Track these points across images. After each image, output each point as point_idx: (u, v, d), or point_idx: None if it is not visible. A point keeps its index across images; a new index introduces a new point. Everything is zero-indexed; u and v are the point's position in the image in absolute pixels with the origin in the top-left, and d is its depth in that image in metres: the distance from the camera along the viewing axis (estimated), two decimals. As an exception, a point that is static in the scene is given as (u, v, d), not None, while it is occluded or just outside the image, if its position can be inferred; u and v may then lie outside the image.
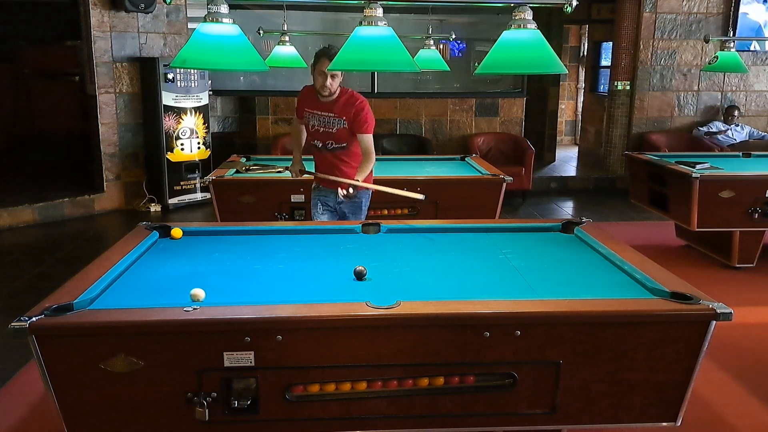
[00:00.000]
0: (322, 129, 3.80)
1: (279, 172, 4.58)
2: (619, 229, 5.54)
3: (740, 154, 6.16)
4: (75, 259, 5.36)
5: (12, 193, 7.01)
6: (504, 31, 2.44)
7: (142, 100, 7.20)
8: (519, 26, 2.38)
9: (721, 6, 8.16)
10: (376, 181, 3.98)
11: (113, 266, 2.61)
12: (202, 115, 7.33)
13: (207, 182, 4.55)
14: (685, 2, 8.12)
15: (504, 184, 4.60)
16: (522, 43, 2.39)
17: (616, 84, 8.41)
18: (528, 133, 8.70)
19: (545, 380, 2.26)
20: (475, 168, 5.21)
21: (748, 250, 5.14)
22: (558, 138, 11.30)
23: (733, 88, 8.45)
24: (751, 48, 8.35)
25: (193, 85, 7.19)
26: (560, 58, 2.55)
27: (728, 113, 8.20)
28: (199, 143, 7.36)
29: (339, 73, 3.65)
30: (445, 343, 2.21)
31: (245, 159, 5.38)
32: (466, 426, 2.34)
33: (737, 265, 5.18)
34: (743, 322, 3.75)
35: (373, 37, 2.43)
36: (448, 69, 6.01)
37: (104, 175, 7.15)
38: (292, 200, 4.51)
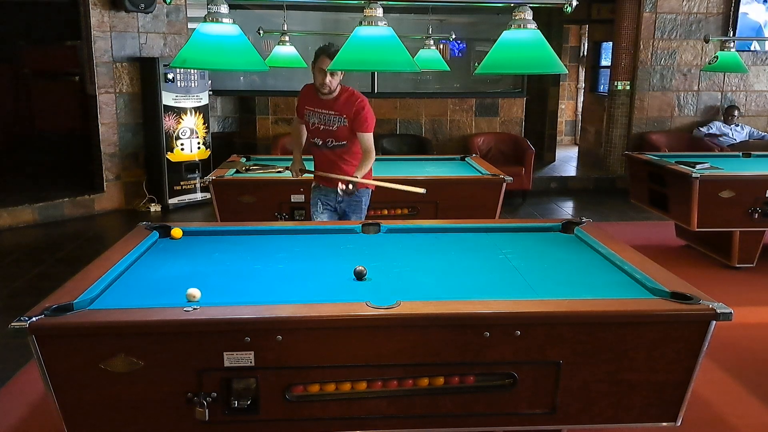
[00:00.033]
0: (322, 127, 3.80)
1: (279, 172, 4.59)
2: (619, 229, 5.54)
3: (740, 154, 6.16)
4: (75, 259, 5.36)
5: (12, 193, 7.01)
6: (504, 31, 2.44)
7: (142, 100, 7.20)
8: (519, 26, 2.39)
9: (721, 6, 8.16)
10: (377, 181, 3.99)
11: (113, 266, 2.61)
12: (202, 115, 7.33)
13: (207, 182, 4.55)
14: (685, 2, 8.12)
15: (504, 184, 4.60)
16: (522, 43, 2.39)
17: (616, 84, 8.41)
18: (528, 133, 8.70)
19: (545, 380, 2.26)
20: (475, 168, 5.21)
21: (748, 250, 5.14)
22: (558, 138, 11.30)
23: (733, 88, 8.45)
24: (752, 48, 8.35)
25: (193, 85, 7.19)
26: (560, 58, 2.55)
27: (728, 113, 8.20)
28: (199, 143, 7.36)
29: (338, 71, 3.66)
30: (445, 343, 2.21)
31: (245, 159, 5.38)
32: (466, 426, 2.34)
33: (737, 265, 5.18)
34: (743, 322, 3.74)
35: (373, 37, 2.43)
36: (448, 69, 6.01)
37: (104, 175, 7.15)
38: (292, 200, 4.51)
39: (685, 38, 8.22)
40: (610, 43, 8.83)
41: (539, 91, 10.36)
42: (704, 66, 6.31)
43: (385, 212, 4.52)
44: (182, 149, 7.20)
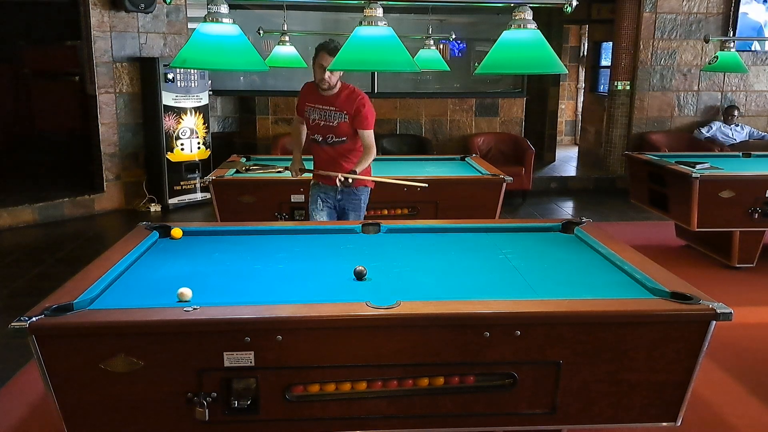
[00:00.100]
0: (322, 123, 3.82)
1: (279, 172, 4.58)
2: (619, 229, 5.54)
3: (740, 154, 6.16)
4: (75, 259, 5.36)
5: (12, 193, 7.01)
6: (504, 31, 2.44)
7: (142, 100, 7.20)
8: (519, 26, 2.39)
9: (721, 6, 8.16)
10: (377, 182, 3.99)
11: (113, 266, 2.61)
12: (202, 115, 7.33)
13: (207, 182, 4.55)
14: (685, 2, 8.12)
15: (504, 184, 4.60)
16: (522, 43, 2.39)
17: (616, 84, 8.41)
18: (528, 133, 8.70)
19: (545, 380, 2.26)
20: (475, 168, 5.21)
21: (748, 250, 5.14)
22: (558, 138, 11.30)
23: (733, 88, 8.45)
24: (752, 48, 8.35)
25: (193, 85, 7.19)
26: (560, 58, 2.55)
27: (728, 113, 8.19)
28: (199, 143, 7.36)
29: None
30: (445, 343, 2.21)
31: (245, 159, 5.38)
32: (466, 426, 2.34)
33: (737, 265, 5.18)
34: (743, 322, 3.75)
35: (373, 37, 2.43)
36: (448, 69, 6.02)
37: (104, 175, 7.15)
38: (292, 200, 4.51)
39: (685, 38, 8.22)
40: (610, 43, 8.82)
41: (539, 91, 10.36)
42: (704, 66, 6.31)
43: (385, 212, 4.53)
44: (182, 149, 7.20)
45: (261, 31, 5.43)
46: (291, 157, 4.16)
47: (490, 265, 2.83)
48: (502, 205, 4.66)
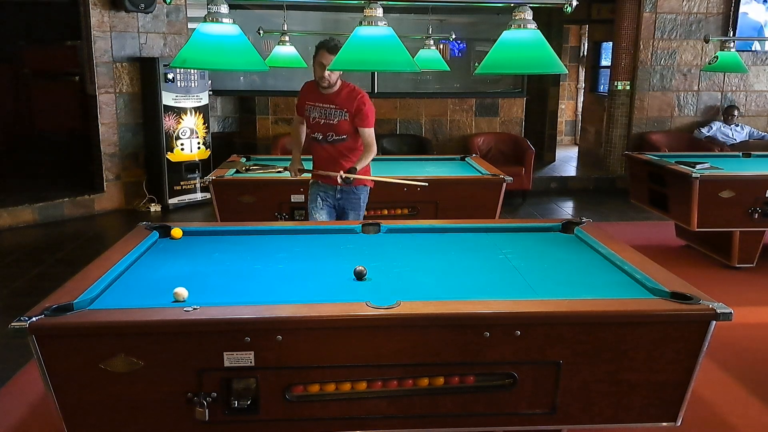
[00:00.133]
0: (323, 121, 3.83)
1: (279, 172, 4.59)
2: (619, 229, 5.54)
3: (740, 154, 6.16)
4: (75, 259, 5.36)
5: (12, 193, 7.01)
6: (504, 31, 2.44)
7: (142, 100, 7.20)
8: (519, 26, 2.38)
9: (721, 6, 8.16)
10: (376, 182, 4.00)
11: (113, 266, 2.61)
12: (202, 115, 7.33)
13: (207, 182, 4.55)
14: (685, 2, 8.12)
15: (504, 184, 4.60)
16: (522, 43, 2.39)
17: (616, 84, 8.41)
18: (528, 133, 8.70)
19: (545, 380, 2.26)
20: (475, 168, 5.21)
21: (748, 250, 5.14)
22: (558, 138, 11.30)
23: (733, 88, 8.45)
24: (752, 48, 8.35)
25: (193, 85, 7.19)
26: (560, 58, 2.55)
27: (728, 113, 8.20)
28: (199, 143, 7.36)
29: None
30: (445, 343, 2.21)
31: (245, 159, 5.38)
32: (466, 426, 2.34)
33: (737, 265, 5.18)
34: (743, 322, 3.75)
35: (373, 37, 2.43)
36: (448, 69, 6.02)
37: (104, 175, 7.15)
38: (292, 200, 4.51)
39: (685, 38, 8.22)
40: (610, 43, 8.83)
41: (539, 91, 10.36)
42: (704, 66, 6.31)
43: (385, 212, 4.53)
44: (182, 149, 7.20)
45: (261, 31, 5.43)
46: (291, 157, 4.16)
47: (490, 265, 2.83)
48: (502, 205, 4.66)
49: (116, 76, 7.05)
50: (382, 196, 4.23)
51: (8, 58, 9.77)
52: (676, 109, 8.44)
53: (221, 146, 7.83)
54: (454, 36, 6.29)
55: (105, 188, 7.16)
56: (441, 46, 8.28)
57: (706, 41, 6.31)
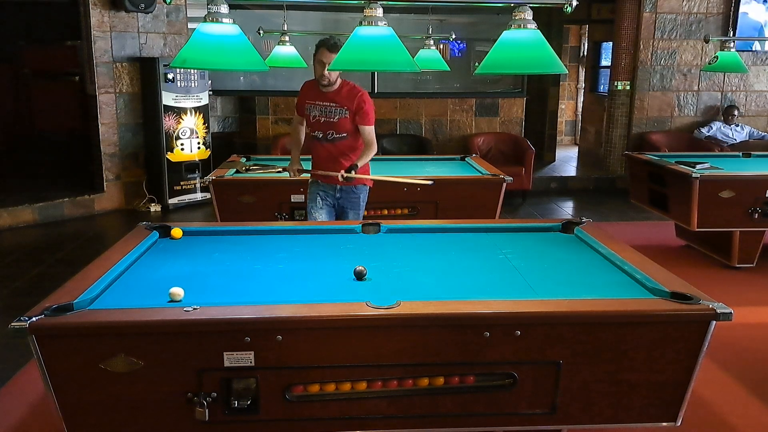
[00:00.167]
0: (323, 119, 3.84)
1: (279, 172, 4.58)
2: (619, 229, 5.54)
3: (740, 154, 6.16)
4: (75, 259, 5.36)
5: (12, 193, 7.01)
6: (504, 31, 2.44)
7: (142, 100, 7.20)
8: (519, 26, 2.39)
9: (721, 6, 8.16)
10: (377, 182, 4.00)
11: (113, 266, 2.61)
12: (202, 115, 7.33)
13: (207, 182, 4.55)
14: (685, 2, 8.12)
15: (504, 184, 4.60)
16: (522, 43, 2.39)
17: (616, 84, 8.41)
18: (528, 133, 8.70)
19: (545, 380, 2.26)
20: (475, 168, 5.21)
21: (748, 250, 5.14)
22: (558, 138, 11.30)
23: (733, 88, 8.45)
24: (752, 48, 8.35)
25: (193, 85, 7.19)
26: (560, 58, 2.55)
27: (728, 113, 8.19)
28: (199, 143, 7.36)
29: None
30: (445, 343, 2.21)
31: (245, 159, 5.38)
32: (466, 426, 2.34)
33: (737, 265, 5.18)
34: (743, 322, 3.75)
35: (373, 37, 2.43)
36: (448, 69, 6.02)
37: (104, 175, 7.15)
38: (292, 200, 4.51)
39: (685, 38, 8.22)
40: (610, 43, 8.83)
41: (539, 91, 10.36)
42: (704, 66, 6.31)
43: (385, 212, 4.53)
44: (182, 149, 7.20)
45: (261, 31, 5.43)
46: (291, 157, 4.16)
47: (490, 265, 2.83)
48: (502, 205, 4.66)
49: (116, 76, 7.05)
50: (382, 196, 4.24)
51: (8, 58, 9.77)
52: (676, 109, 8.44)
53: (221, 146, 7.83)
54: (454, 36, 6.29)
55: (105, 188, 7.16)
56: (441, 46, 8.28)
57: (706, 41, 6.31)
